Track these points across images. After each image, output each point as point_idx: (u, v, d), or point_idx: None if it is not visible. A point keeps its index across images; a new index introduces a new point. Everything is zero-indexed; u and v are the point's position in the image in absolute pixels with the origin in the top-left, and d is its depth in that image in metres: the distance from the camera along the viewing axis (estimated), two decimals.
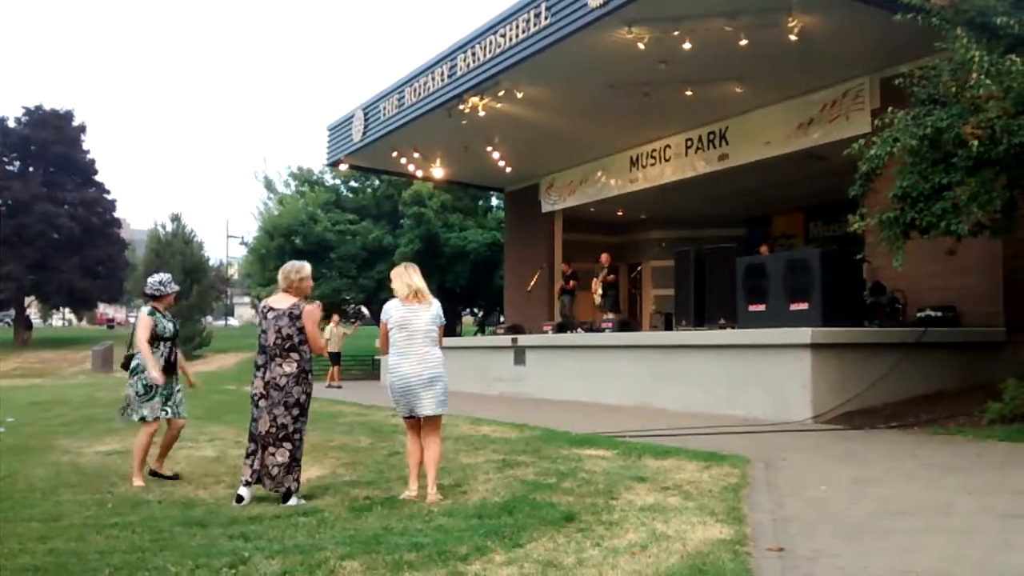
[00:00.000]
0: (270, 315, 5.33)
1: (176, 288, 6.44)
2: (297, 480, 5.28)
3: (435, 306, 5.35)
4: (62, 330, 55.81)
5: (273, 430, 5.20)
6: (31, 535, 4.30)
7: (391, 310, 5.30)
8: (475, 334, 26.61)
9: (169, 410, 6.17)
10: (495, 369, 14.08)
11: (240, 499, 5.19)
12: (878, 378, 8.59)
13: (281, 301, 5.39)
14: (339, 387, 17.49)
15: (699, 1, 9.25)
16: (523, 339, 13.84)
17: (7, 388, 20.87)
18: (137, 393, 6.06)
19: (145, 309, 6.25)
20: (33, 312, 51.10)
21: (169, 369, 6.18)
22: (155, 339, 6.11)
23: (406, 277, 5.33)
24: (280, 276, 5.48)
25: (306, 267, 5.50)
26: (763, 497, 4.83)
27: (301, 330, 5.29)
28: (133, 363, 6.15)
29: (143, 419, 6.04)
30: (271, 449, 5.20)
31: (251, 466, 5.23)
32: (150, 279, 6.43)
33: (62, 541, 4.17)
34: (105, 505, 5.19)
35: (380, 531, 4.21)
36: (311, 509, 4.91)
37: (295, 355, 5.26)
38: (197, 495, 5.54)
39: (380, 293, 25.60)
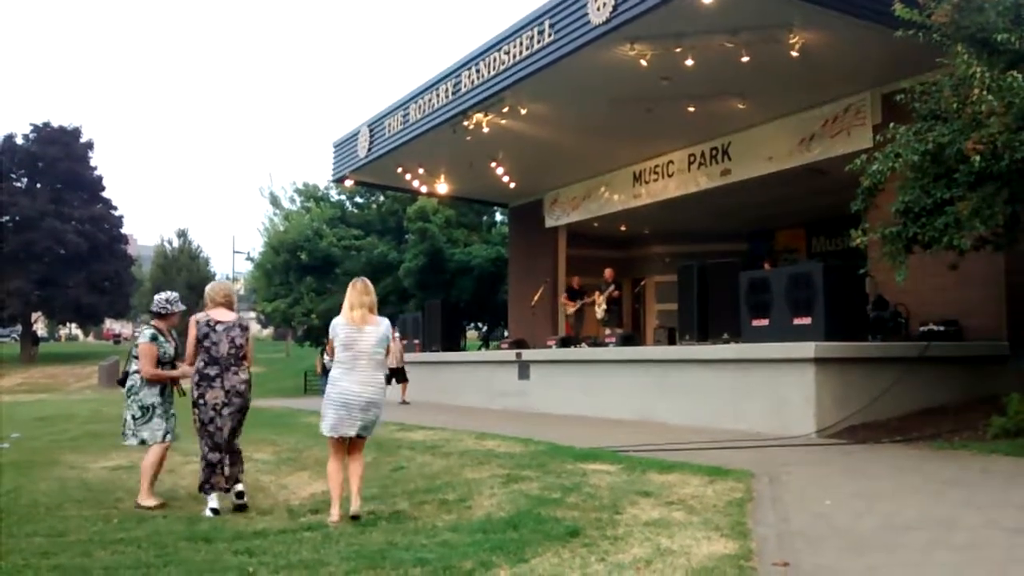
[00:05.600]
0: (219, 327, 5.57)
1: (183, 308, 6.24)
2: None
3: (381, 327, 5.22)
4: (68, 345, 55.88)
5: (232, 435, 5.55)
6: (35, 551, 4.31)
7: (337, 328, 5.19)
8: (479, 349, 26.59)
9: (171, 433, 5.97)
10: (499, 383, 14.07)
11: (217, 512, 5.39)
12: (881, 392, 8.57)
13: (224, 315, 5.68)
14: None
15: (701, 18, 9.31)
16: (527, 354, 13.83)
17: (13, 403, 20.91)
18: (133, 416, 5.88)
19: (147, 333, 5.96)
20: (40, 327, 51.19)
21: (173, 392, 6.06)
22: (156, 363, 5.93)
23: (351, 297, 5.22)
24: (217, 293, 5.78)
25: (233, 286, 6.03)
26: (768, 512, 4.82)
27: (247, 340, 5.66)
28: (128, 383, 5.95)
29: (143, 442, 5.89)
30: (232, 454, 5.56)
31: (223, 474, 5.52)
32: (157, 296, 6.27)
33: (67, 557, 4.18)
34: (111, 520, 5.21)
35: (385, 546, 4.22)
36: (316, 524, 4.92)
37: (244, 363, 5.63)
38: (203, 510, 5.55)
39: (384, 308, 25.62)
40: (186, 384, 6.03)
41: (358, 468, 5.19)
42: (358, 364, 5.10)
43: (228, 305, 5.76)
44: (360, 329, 5.13)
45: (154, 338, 5.93)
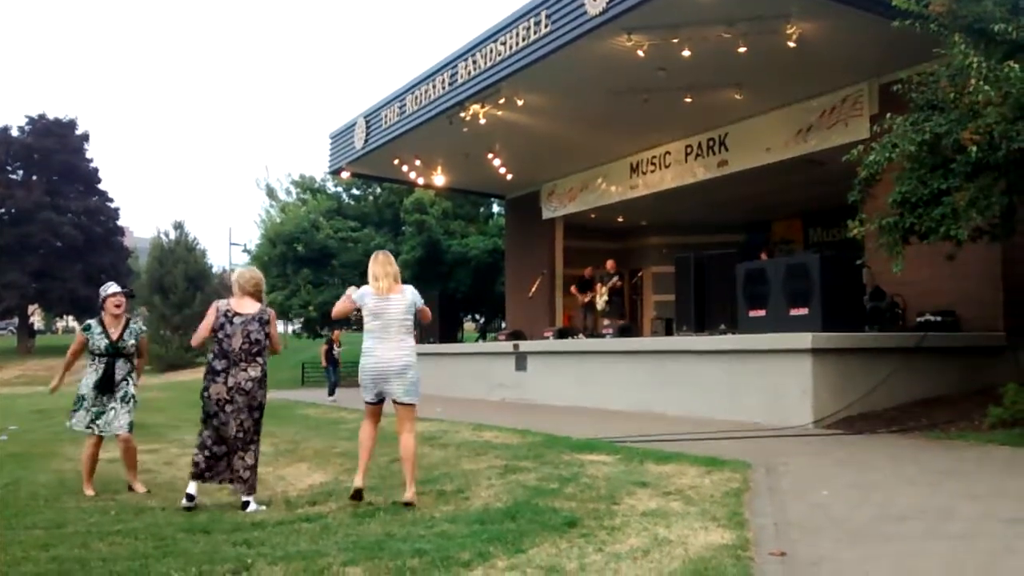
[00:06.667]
0: (236, 320, 5.33)
1: (112, 291, 6.09)
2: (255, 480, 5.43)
3: (408, 294, 5.32)
4: (65, 338, 55.80)
5: (241, 435, 5.29)
6: (34, 542, 4.31)
7: (366, 297, 5.28)
8: (477, 340, 26.59)
9: (95, 428, 5.94)
10: (497, 375, 14.09)
11: (192, 498, 5.27)
12: (878, 383, 8.59)
13: (246, 306, 5.43)
14: None
15: (698, 9, 9.29)
16: (524, 345, 13.85)
17: (10, 396, 20.90)
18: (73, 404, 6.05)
19: (86, 322, 6.16)
20: (36, 320, 51.12)
21: (106, 385, 5.93)
22: (91, 354, 5.99)
23: (375, 268, 5.31)
24: (247, 282, 5.49)
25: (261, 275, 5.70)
26: (765, 502, 4.83)
27: (268, 335, 5.41)
28: None
29: (71, 428, 6.06)
30: (240, 453, 5.29)
31: (228, 466, 5.29)
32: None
33: (65, 548, 4.18)
34: (108, 512, 5.20)
35: (383, 537, 4.22)
36: (314, 515, 4.92)
37: (260, 359, 5.35)
38: (200, 501, 5.55)
39: None
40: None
41: (407, 449, 5.16)
42: (388, 332, 5.22)
43: (256, 295, 5.50)
44: (387, 298, 5.25)
45: (86, 328, 6.06)
